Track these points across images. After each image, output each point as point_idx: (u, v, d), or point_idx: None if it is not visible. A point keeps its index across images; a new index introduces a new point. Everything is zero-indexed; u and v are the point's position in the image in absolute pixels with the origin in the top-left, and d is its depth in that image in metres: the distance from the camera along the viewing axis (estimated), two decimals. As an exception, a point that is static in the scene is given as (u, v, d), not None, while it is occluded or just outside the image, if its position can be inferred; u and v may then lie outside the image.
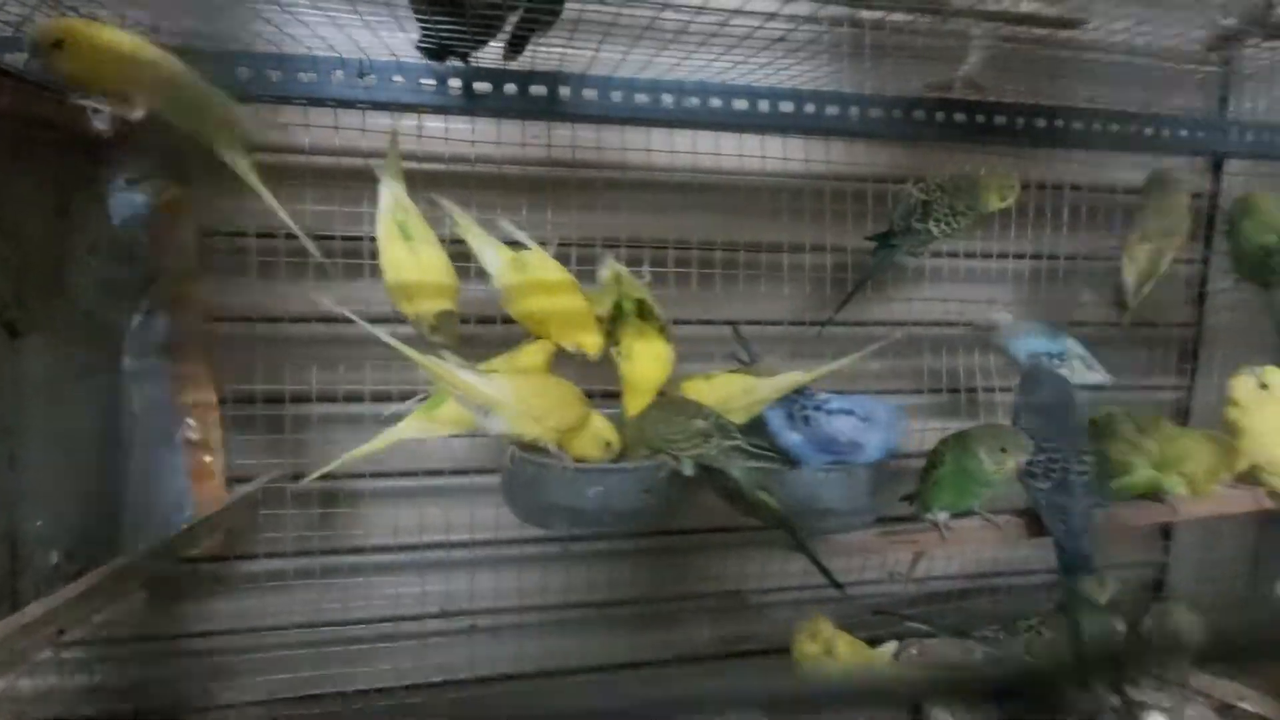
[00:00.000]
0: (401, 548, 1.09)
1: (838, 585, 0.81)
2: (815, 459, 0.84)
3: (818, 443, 0.83)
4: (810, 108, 0.99)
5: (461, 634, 1.13)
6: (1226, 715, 1.05)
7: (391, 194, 0.83)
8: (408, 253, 0.81)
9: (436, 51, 0.83)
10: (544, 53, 0.90)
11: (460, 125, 0.99)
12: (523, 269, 0.86)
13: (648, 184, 1.08)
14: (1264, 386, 0.93)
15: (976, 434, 0.84)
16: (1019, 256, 1.23)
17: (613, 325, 0.91)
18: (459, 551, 1.09)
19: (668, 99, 0.94)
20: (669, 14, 0.78)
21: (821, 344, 1.09)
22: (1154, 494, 0.90)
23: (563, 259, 0.93)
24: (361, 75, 0.87)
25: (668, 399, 0.84)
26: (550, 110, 0.93)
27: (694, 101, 0.95)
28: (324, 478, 0.99)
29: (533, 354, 0.86)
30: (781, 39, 0.85)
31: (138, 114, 0.69)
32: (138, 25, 0.79)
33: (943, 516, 0.86)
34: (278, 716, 1.04)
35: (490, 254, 0.88)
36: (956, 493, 0.85)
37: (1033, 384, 0.83)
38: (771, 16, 0.77)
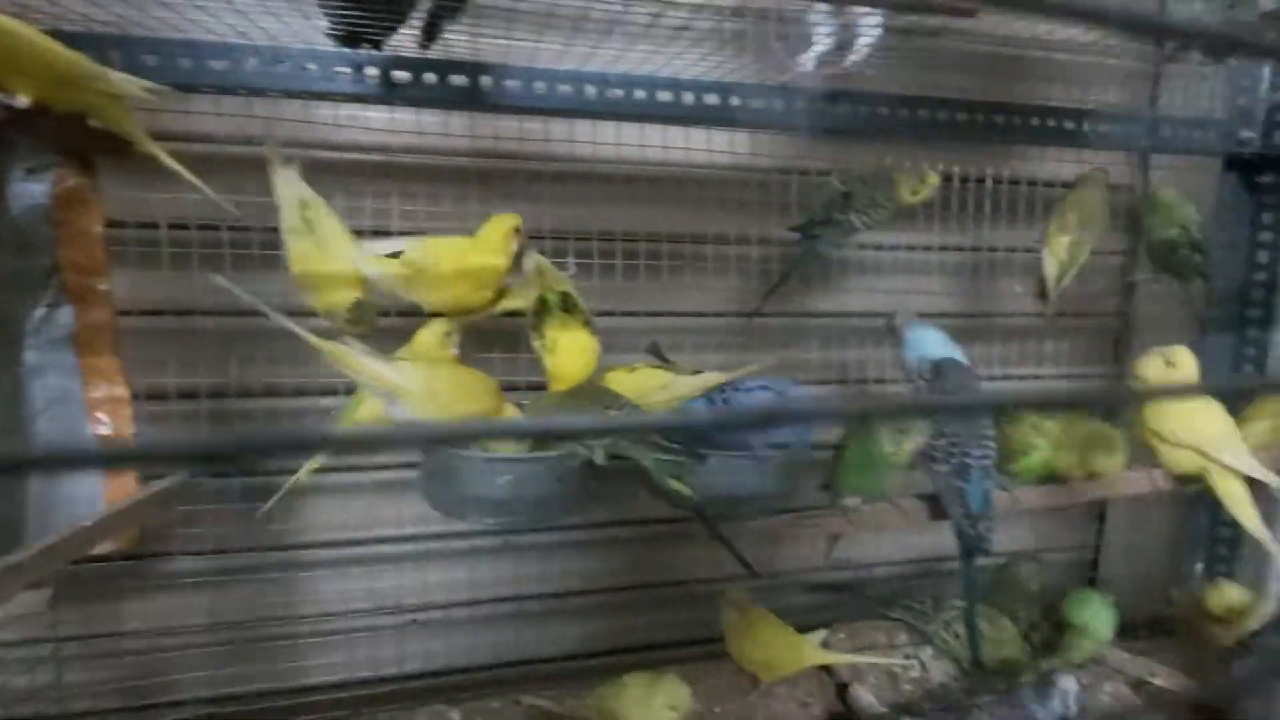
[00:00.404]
0: (330, 544, 1.08)
1: (752, 572, 0.82)
2: (739, 437, 0.85)
3: None
4: (735, 100, 0.99)
5: (397, 630, 1.13)
6: (1139, 690, 1.09)
7: (290, 185, 0.81)
8: (313, 244, 0.79)
9: (347, 38, 0.82)
10: (470, 42, 0.89)
11: (383, 115, 0.98)
12: (411, 265, 0.84)
13: (574, 175, 1.07)
14: (1170, 365, 0.95)
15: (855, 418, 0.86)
16: (944, 249, 1.26)
17: (537, 318, 0.92)
18: (387, 547, 1.09)
19: (590, 90, 0.94)
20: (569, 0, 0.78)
21: (749, 336, 1.10)
22: (1056, 477, 0.92)
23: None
24: (275, 62, 0.86)
25: (582, 388, 0.84)
26: (472, 100, 0.92)
27: (618, 93, 0.95)
28: (248, 474, 0.98)
29: (428, 336, 0.85)
30: (684, 28, 0.86)
31: (21, 101, 0.67)
32: (36, 13, 0.77)
33: (854, 501, 0.88)
34: (202, 715, 1.03)
35: (371, 268, 0.83)
36: (862, 477, 0.86)
37: (938, 371, 0.85)
38: (671, 4, 0.77)
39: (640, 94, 0.95)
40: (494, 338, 1.03)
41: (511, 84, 0.92)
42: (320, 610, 1.07)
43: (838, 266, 1.21)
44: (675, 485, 0.75)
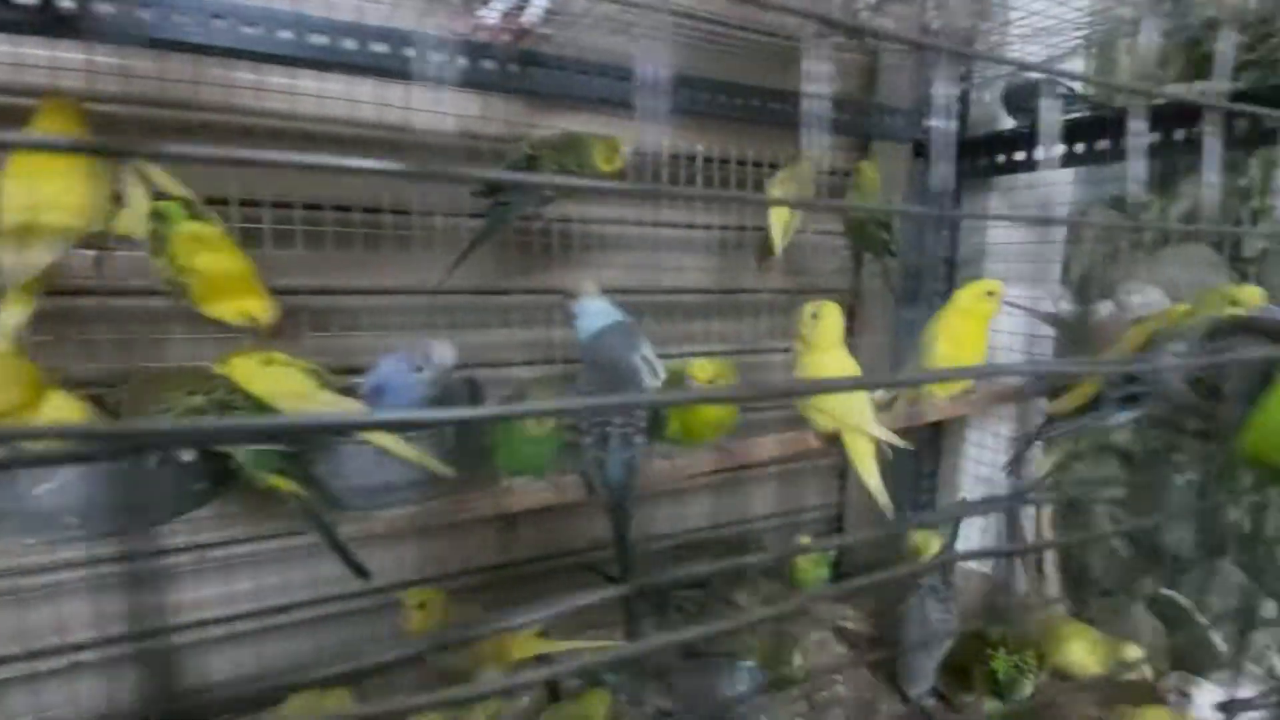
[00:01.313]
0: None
1: (363, 574, 0.72)
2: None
3: None
4: (409, 50, 0.91)
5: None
6: (839, 635, 1.18)
7: None
8: None
9: None
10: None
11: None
12: None
13: (235, 129, 0.94)
14: (814, 317, 0.95)
15: (514, 394, 0.82)
16: (686, 226, 1.27)
17: (155, 239, 0.75)
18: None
19: (220, 24, 0.82)
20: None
21: (467, 312, 1.03)
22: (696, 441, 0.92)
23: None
24: None
25: (170, 371, 0.72)
26: (82, 30, 0.77)
27: (255, 30, 0.84)
28: None
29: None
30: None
31: None
32: None
33: (517, 482, 0.83)
34: None
35: None
36: (511, 455, 0.82)
37: (592, 343, 0.83)
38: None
39: (286, 34, 0.85)
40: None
41: (144, 15, 0.78)
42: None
43: (580, 242, 1.16)
44: (274, 481, 0.65)
